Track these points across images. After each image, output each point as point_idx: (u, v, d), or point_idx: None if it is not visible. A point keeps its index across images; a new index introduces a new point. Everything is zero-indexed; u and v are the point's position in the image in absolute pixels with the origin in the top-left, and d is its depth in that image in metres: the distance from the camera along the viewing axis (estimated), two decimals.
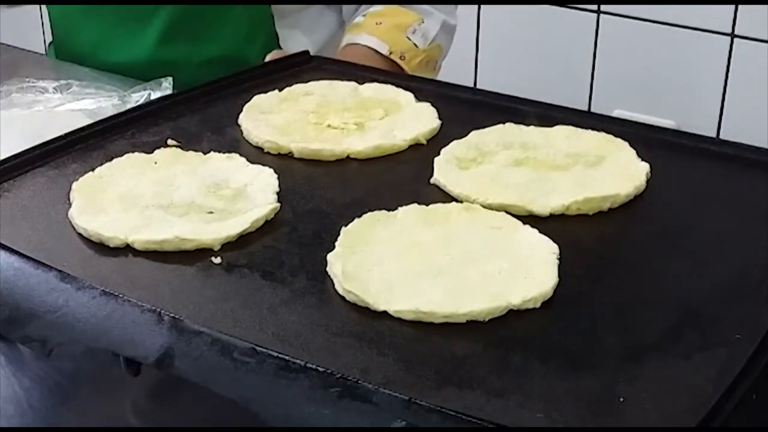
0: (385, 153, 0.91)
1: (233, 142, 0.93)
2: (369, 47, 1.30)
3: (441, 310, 0.66)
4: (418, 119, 0.95)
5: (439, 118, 0.95)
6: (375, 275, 0.70)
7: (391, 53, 1.30)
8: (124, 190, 0.82)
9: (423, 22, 1.33)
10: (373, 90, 1.02)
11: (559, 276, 0.70)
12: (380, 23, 1.32)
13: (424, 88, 1.03)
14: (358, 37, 1.32)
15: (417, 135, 0.92)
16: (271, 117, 0.96)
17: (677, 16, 1.96)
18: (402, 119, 0.96)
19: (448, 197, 0.83)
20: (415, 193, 0.82)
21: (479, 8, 2.13)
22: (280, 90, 1.02)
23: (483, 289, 0.69)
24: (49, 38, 1.52)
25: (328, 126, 0.94)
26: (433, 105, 0.98)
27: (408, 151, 0.91)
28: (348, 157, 0.90)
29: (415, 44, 1.32)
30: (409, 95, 1.00)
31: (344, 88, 1.03)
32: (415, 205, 0.80)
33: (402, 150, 0.91)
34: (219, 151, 0.89)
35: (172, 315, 0.64)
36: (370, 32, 1.31)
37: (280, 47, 1.35)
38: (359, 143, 0.91)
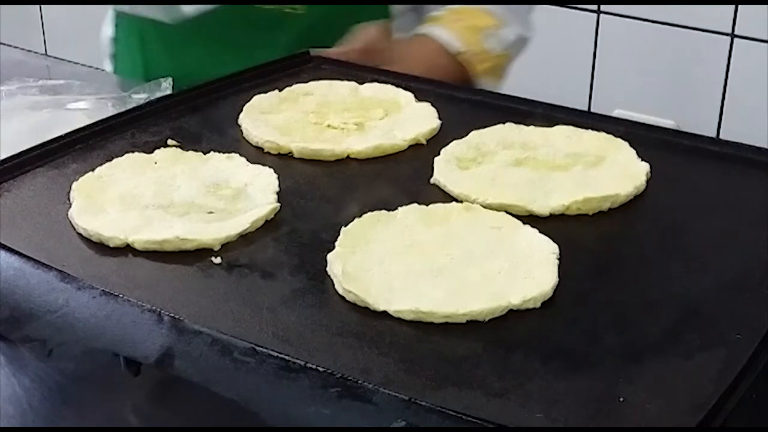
0: (385, 153, 0.91)
1: (233, 142, 0.93)
2: (440, 42, 1.26)
3: (441, 310, 0.66)
4: (418, 119, 0.95)
5: (439, 118, 0.95)
6: (375, 275, 0.70)
7: (461, 53, 1.25)
8: (124, 190, 0.82)
9: (500, 28, 1.30)
10: (373, 90, 1.02)
11: (559, 276, 0.70)
12: (459, 20, 1.28)
13: (424, 88, 1.03)
14: (433, 29, 1.27)
15: (417, 135, 0.92)
16: (271, 117, 0.96)
17: (677, 16, 1.97)
18: (402, 119, 0.96)
19: (448, 197, 0.83)
20: (415, 193, 0.82)
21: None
22: (280, 90, 1.02)
23: (483, 289, 0.69)
24: (50, 40, 1.51)
25: (328, 126, 0.94)
26: (433, 105, 0.98)
27: (408, 151, 0.91)
28: (348, 157, 0.90)
29: (489, 48, 1.28)
30: (409, 95, 1.00)
31: (344, 88, 1.03)
32: (415, 205, 0.80)
33: (402, 150, 0.91)
34: (219, 151, 0.89)
35: (172, 315, 0.64)
36: (448, 27, 1.27)
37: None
38: (359, 143, 0.91)
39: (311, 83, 1.04)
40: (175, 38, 1.34)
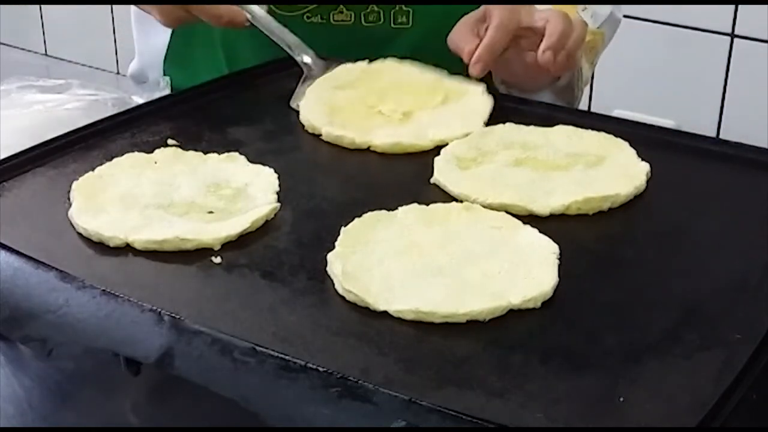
0: (405, 151, 0.91)
1: (233, 142, 0.93)
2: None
3: (441, 310, 0.66)
4: (463, 118, 0.94)
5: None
6: (375, 275, 0.70)
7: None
8: (124, 189, 0.82)
9: (592, 5, 1.21)
10: (457, 80, 1.01)
11: (559, 276, 0.70)
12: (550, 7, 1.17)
13: None
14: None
15: (445, 137, 0.91)
16: (338, 94, 0.97)
17: (677, 16, 1.97)
18: (450, 112, 0.95)
19: (448, 197, 0.83)
20: (415, 193, 0.82)
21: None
22: (371, 61, 1.02)
23: (483, 289, 0.69)
24: (50, 40, 1.48)
25: (379, 112, 0.95)
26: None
27: (433, 150, 0.90)
28: (369, 148, 0.91)
29: (585, 22, 1.16)
30: (480, 87, 0.99)
31: (431, 73, 1.02)
32: (415, 205, 0.80)
33: (426, 150, 0.91)
34: (219, 152, 0.89)
35: (172, 315, 0.64)
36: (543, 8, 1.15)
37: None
38: (382, 137, 0.91)
39: (406, 62, 1.03)
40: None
